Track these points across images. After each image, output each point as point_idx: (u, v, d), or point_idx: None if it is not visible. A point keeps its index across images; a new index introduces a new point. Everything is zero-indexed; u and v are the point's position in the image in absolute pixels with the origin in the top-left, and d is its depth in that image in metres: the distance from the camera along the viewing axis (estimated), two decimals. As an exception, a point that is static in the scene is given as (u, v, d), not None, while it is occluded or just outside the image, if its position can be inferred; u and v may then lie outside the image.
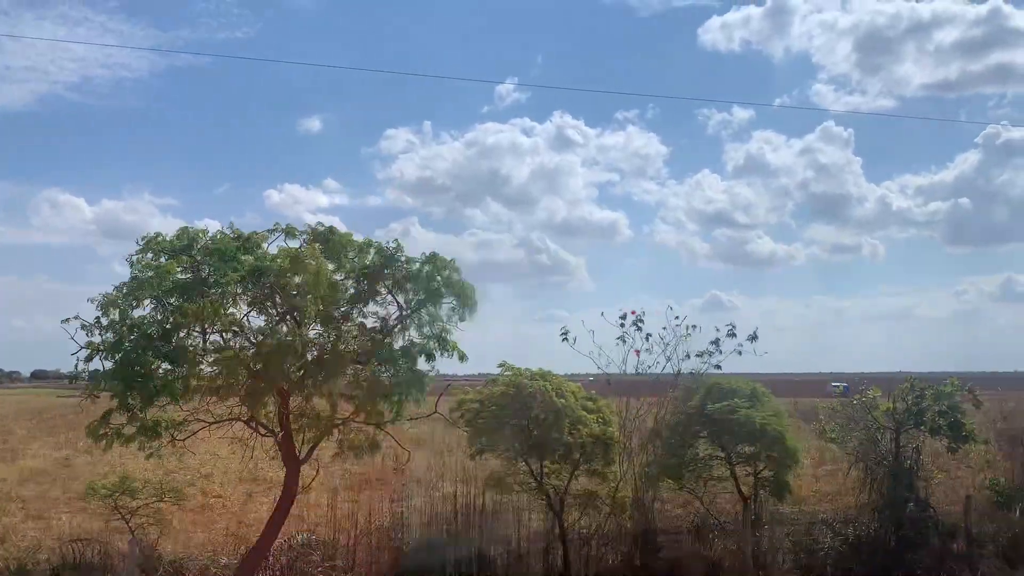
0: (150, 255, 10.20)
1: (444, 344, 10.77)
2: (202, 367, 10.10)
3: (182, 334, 9.90)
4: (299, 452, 11.44)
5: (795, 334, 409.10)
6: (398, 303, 10.98)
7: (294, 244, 10.79)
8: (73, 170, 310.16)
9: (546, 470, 13.87)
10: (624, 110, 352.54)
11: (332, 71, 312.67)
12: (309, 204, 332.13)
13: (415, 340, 10.83)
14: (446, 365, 11.14)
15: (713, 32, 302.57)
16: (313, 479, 12.32)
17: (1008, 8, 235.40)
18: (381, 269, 10.82)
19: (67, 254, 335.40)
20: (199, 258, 10.17)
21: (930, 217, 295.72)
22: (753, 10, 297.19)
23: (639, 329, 14.66)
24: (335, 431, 11.47)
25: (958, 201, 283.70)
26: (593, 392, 14.72)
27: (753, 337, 14.60)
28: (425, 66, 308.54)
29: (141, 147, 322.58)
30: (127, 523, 12.44)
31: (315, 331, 10.67)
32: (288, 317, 10.48)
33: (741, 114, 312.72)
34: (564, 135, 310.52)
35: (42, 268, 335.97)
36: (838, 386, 77.24)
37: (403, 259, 10.87)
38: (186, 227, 10.58)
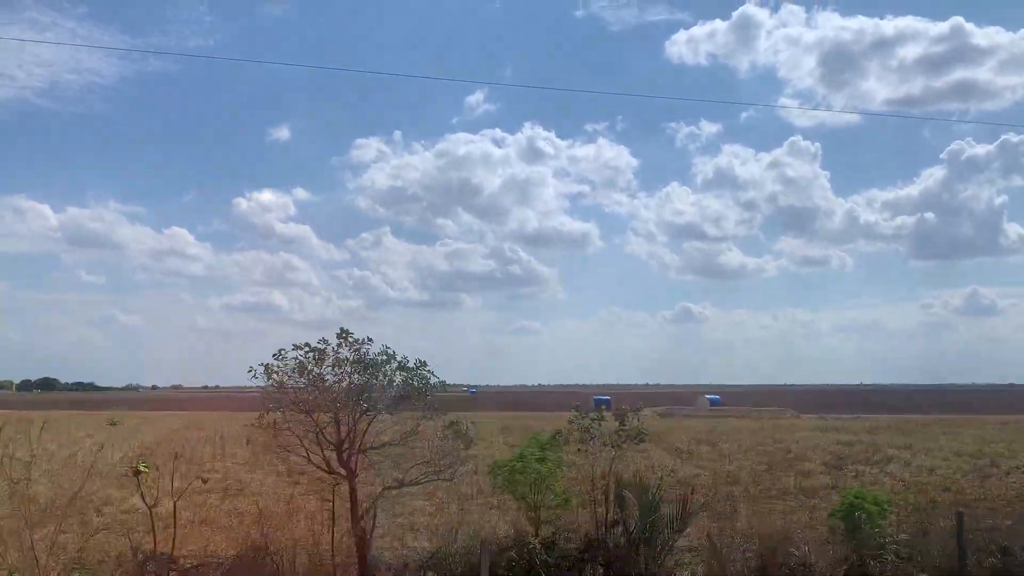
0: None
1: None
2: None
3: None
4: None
5: (764, 346, 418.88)
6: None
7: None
8: (38, 176, 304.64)
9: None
10: (594, 122, 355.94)
11: (301, 80, 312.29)
12: (279, 213, 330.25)
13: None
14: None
15: (680, 45, 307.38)
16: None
17: (969, 26, 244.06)
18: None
19: (30, 262, 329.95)
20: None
21: (897, 231, 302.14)
22: (719, 24, 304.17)
23: None
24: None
25: (924, 215, 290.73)
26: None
27: None
28: (395, 76, 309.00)
29: (108, 154, 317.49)
30: None
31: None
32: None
33: (709, 127, 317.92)
34: (535, 146, 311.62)
35: (5, 275, 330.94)
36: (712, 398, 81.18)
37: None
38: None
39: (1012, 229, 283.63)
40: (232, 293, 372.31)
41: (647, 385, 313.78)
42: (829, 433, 39.79)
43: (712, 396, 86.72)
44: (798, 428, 45.82)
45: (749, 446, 32.48)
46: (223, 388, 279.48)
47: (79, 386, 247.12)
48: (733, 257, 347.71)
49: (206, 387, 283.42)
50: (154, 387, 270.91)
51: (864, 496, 10.79)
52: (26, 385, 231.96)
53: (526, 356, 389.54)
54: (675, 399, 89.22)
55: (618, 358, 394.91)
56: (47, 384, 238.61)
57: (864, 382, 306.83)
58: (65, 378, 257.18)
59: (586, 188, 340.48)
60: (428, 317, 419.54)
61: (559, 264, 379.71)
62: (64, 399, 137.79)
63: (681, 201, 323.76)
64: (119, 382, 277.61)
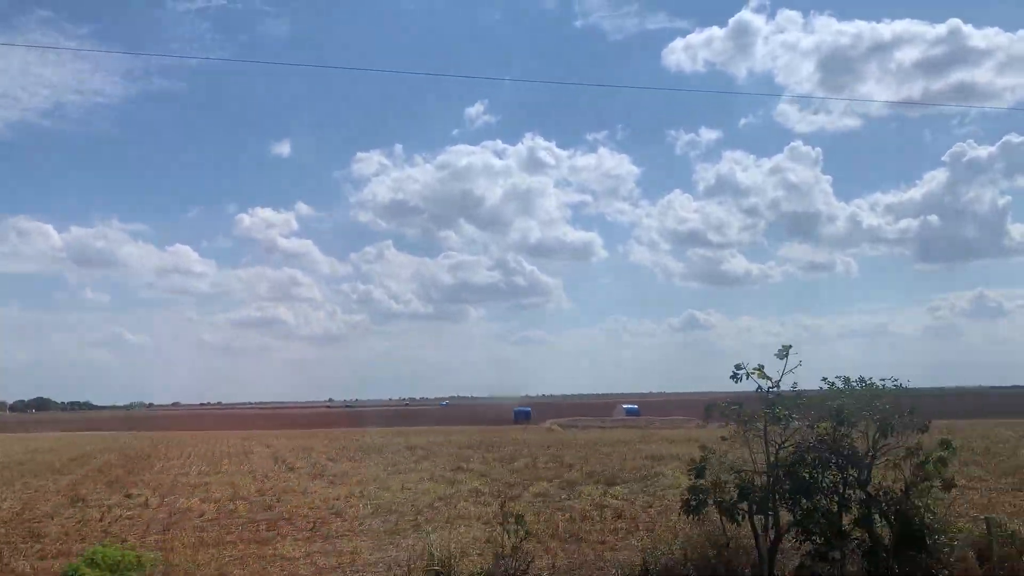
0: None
1: None
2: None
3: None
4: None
5: (772, 352, 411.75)
6: None
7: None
8: (41, 196, 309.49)
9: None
10: (594, 132, 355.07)
11: (301, 95, 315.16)
12: (282, 228, 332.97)
13: None
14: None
15: (677, 53, 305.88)
16: None
17: (967, 28, 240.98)
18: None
19: (35, 282, 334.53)
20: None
21: (901, 234, 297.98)
22: (716, 31, 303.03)
23: None
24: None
25: (927, 218, 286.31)
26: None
27: None
28: (397, 88, 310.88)
29: (111, 172, 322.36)
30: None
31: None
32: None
33: (709, 134, 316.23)
34: (536, 157, 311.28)
35: (11, 296, 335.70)
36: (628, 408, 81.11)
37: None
38: None
39: (1016, 230, 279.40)
40: (237, 309, 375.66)
41: (652, 393, 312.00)
42: (678, 444, 38.60)
43: (629, 406, 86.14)
44: (656, 439, 45.06)
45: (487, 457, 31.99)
46: (227, 404, 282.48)
47: (75, 405, 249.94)
48: (738, 264, 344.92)
49: (204, 404, 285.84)
50: (150, 405, 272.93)
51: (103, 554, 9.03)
52: (20, 405, 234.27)
53: (533, 366, 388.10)
54: (653, 408, 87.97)
55: (626, 366, 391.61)
56: (41, 404, 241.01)
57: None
58: (63, 398, 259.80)
59: (588, 198, 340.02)
60: (433, 329, 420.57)
61: (563, 274, 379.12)
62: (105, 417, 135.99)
63: (684, 208, 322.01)
64: (124, 400, 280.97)
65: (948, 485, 10.70)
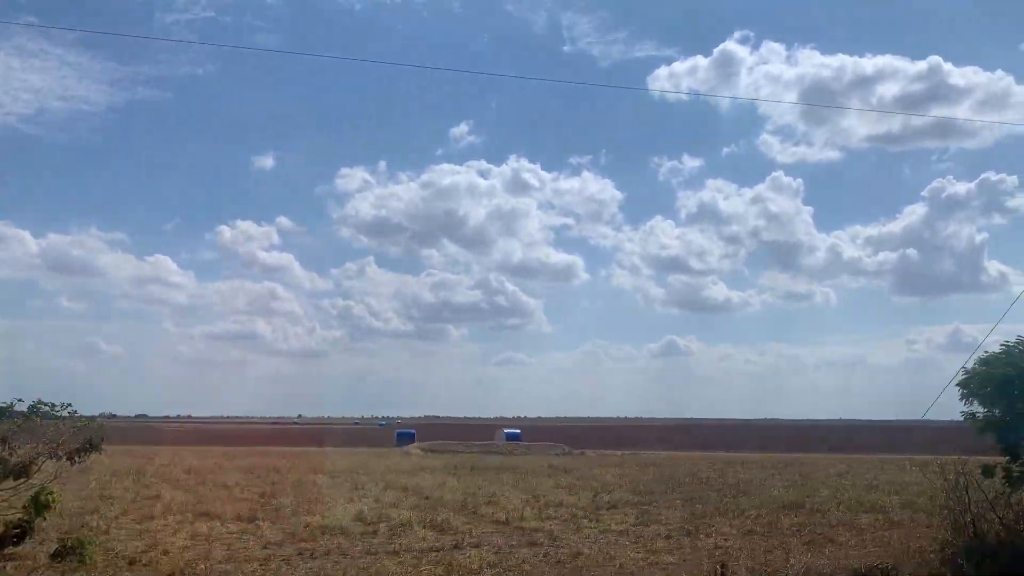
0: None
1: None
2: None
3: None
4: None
5: (749, 380, 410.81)
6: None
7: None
8: (18, 202, 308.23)
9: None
10: (578, 156, 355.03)
11: (286, 109, 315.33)
12: (262, 241, 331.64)
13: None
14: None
15: (661, 81, 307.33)
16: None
17: (947, 66, 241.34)
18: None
19: (8, 288, 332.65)
20: None
21: (879, 267, 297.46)
22: (700, 60, 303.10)
23: None
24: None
25: (906, 252, 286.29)
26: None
27: None
28: (381, 107, 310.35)
29: (91, 180, 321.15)
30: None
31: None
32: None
33: (692, 162, 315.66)
34: (520, 178, 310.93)
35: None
36: (509, 432, 79.49)
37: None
38: None
39: (992, 266, 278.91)
40: (215, 322, 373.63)
41: (627, 419, 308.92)
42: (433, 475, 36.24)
43: (510, 430, 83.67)
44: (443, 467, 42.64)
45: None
46: (196, 418, 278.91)
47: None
48: (718, 291, 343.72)
49: (167, 417, 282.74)
50: (112, 416, 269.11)
51: None
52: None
53: (512, 387, 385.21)
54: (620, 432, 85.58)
55: (604, 390, 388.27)
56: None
57: (844, 417, 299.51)
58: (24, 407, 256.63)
59: (571, 220, 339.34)
60: (413, 348, 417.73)
61: (544, 296, 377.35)
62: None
63: (665, 235, 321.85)
64: (92, 411, 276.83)
65: None
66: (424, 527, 18.70)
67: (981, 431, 13.37)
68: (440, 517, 20.16)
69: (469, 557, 14.89)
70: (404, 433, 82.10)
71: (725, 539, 17.33)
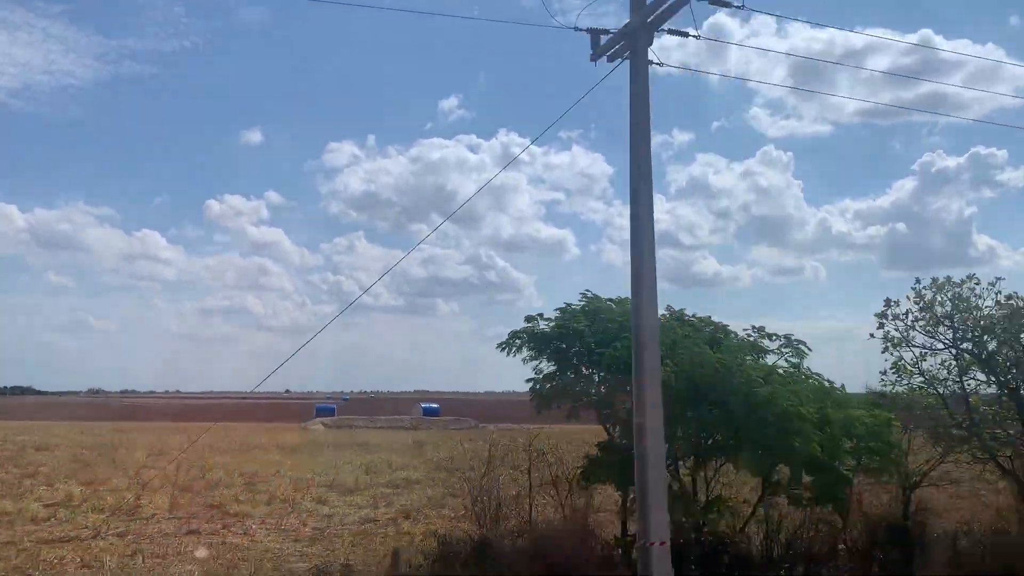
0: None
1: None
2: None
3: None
4: None
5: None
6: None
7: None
8: (5, 177, 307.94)
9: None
10: (568, 130, 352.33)
11: (273, 83, 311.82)
12: (251, 216, 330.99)
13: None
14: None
15: (650, 54, 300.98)
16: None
17: (938, 39, 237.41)
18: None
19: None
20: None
21: (869, 241, 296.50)
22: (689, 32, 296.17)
23: None
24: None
25: (895, 226, 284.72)
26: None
27: None
28: (368, 81, 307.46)
29: (78, 155, 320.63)
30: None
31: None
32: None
33: (682, 136, 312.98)
34: (510, 153, 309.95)
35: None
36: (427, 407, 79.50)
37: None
38: None
39: (981, 240, 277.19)
40: (205, 297, 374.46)
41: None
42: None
43: (428, 405, 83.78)
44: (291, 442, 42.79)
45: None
46: (184, 393, 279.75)
47: (17, 390, 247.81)
48: (708, 265, 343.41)
49: (152, 392, 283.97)
50: (97, 392, 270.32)
51: None
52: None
53: (503, 362, 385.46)
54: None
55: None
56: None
57: None
58: (9, 382, 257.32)
59: (561, 195, 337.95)
60: (404, 323, 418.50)
61: (535, 271, 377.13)
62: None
63: (655, 209, 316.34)
64: (79, 386, 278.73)
65: None
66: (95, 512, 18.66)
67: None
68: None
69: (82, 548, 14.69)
70: (324, 408, 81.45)
71: (432, 523, 17.65)
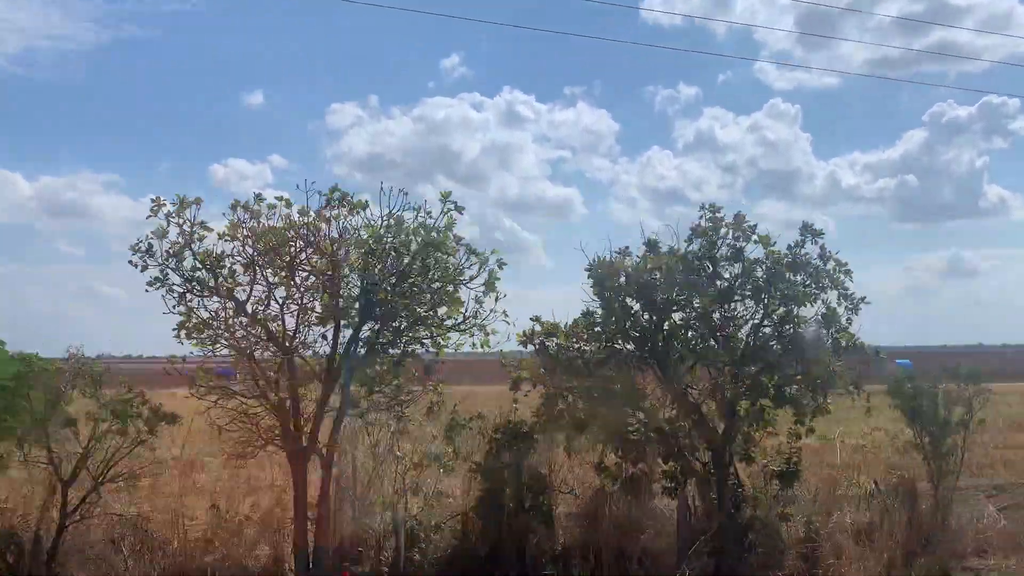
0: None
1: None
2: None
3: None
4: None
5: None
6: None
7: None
8: (9, 144, 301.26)
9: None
10: (572, 86, 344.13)
11: (274, 44, 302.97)
12: (256, 180, 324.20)
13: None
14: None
15: (655, 5, 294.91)
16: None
17: None
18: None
19: (4, 232, 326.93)
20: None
21: (879, 193, 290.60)
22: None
23: None
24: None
25: (905, 178, 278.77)
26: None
27: None
28: (370, 40, 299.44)
29: (80, 121, 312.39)
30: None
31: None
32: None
33: (688, 91, 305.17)
34: (514, 111, 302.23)
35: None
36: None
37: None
38: None
39: (992, 191, 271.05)
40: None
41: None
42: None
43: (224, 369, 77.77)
44: None
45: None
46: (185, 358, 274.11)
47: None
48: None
49: (151, 357, 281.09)
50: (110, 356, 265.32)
51: None
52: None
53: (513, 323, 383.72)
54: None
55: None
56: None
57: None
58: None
59: (567, 153, 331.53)
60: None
61: (543, 231, 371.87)
62: None
63: (663, 165, 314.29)
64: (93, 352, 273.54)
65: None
66: None
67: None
68: None
69: None
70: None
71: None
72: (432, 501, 11.21)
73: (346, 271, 9.46)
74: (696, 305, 9.87)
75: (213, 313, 9.37)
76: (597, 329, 10.28)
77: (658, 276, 9.84)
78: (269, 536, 10.89)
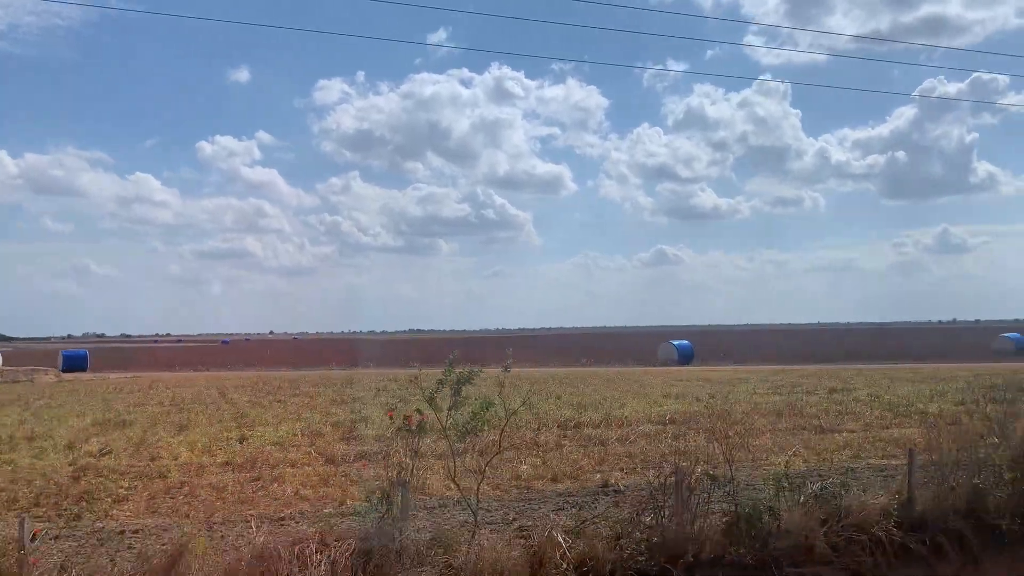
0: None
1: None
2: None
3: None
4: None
5: (739, 287, 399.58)
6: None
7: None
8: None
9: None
10: (562, 62, 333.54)
11: (258, 19, 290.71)
12: (244, 157, 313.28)
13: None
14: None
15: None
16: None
17: None
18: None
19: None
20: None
21: (868, 170, 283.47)
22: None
23: None
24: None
25: (895, 154, 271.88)
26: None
27: None
28: (353, 14, 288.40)
29: (64, 97, 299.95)
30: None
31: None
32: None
33: (677, 67, 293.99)
34: (503, 87, 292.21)
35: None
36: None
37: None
38: None
39: (982, 167, 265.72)
40: (203, 240, 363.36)
41: (619, 328, 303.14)
42: None
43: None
44: None
45: None
46: (181, 336, 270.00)
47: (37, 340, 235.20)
48: (707, 198, 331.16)
49: (158, 336, 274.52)
50: (68, 336, 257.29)
51: None
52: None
53: (504, 301, 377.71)
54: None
55: (596, 301, 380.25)
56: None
57: (823, 321, 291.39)
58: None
59: (556, 130, 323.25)
60: (404, 263, 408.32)
61: (533, 208, 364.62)
62: None
63: (652, 142, 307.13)
64: (78, 332, 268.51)
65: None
66: None
67: None
68: None
69: None
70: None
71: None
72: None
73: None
74: None
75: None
76: None
77: None
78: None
